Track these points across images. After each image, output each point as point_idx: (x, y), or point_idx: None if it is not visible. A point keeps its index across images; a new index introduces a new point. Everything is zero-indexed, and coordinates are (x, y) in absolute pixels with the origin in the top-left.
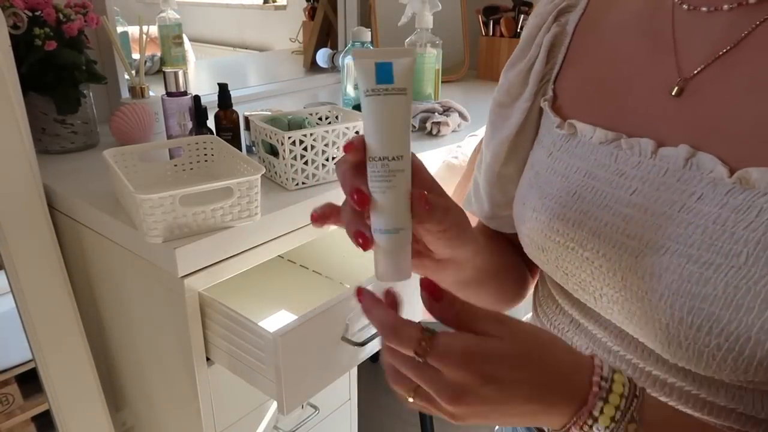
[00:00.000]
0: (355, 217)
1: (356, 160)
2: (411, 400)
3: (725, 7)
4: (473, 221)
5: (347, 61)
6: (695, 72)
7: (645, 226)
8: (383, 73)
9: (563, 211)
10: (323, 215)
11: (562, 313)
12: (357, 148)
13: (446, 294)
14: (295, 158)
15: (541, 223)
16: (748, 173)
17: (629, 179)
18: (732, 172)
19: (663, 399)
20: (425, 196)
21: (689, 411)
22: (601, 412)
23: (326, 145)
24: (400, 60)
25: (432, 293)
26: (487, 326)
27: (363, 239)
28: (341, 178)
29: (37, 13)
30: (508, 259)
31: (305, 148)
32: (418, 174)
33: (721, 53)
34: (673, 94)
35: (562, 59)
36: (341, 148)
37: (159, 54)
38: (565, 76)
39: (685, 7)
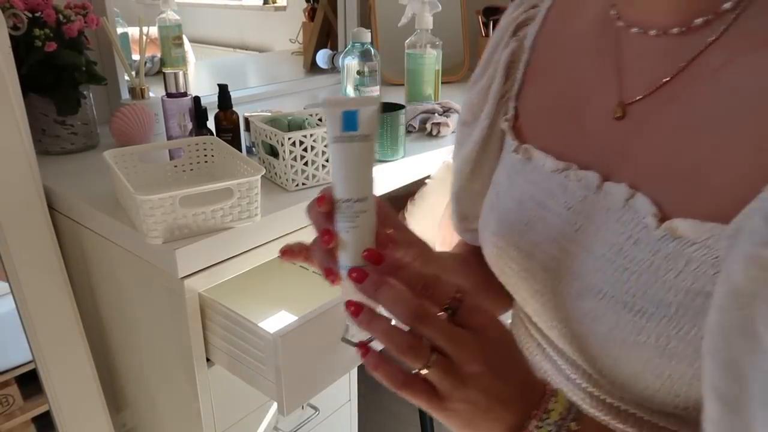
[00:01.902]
0: (324, 254)
1: (327, 206)
2: (425, 371)
3: (674, 30)
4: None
5: (347, 62)
6: (637, 98)
7: (586, 268)
8: (349, 122)
9: (517, 240)
10: (292, 252)
11: (529, 336)
12: (327, 201)
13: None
14: (295, 159)
15: (499, 249)
16: (675, 225)
17: (575, 214)
18: (663, 219)
19: (620, 426)
20: (388, 234)
21: None
22: (553, 409)
23: (326, 145)
24: (365, 108)
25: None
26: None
27: (331, 275)
28: (312, 220)
29: (37, 14)
30: (489, 274)
31: (305, 149)
32: (382, 212)
33: (663, 82)
34: (615, 117)
35: (522, 76)
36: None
37: (159, 55)
38: (526, 93)
39: (633, 29)
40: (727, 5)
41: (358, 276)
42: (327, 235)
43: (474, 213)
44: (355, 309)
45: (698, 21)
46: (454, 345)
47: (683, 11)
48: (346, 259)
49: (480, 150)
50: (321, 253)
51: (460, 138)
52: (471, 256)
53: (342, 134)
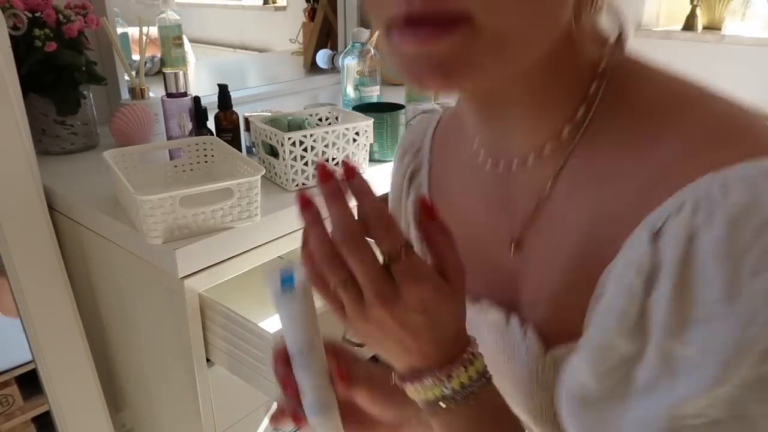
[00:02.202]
0: (290, 401)
1: (283, 359)
2: (337, 288)
3: (530, 161)
4: None
5: (347, 62)
6: (518, 235)
7: (517, 404)
8: (286, 280)
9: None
10: (279, 418)
11: None
12: (282, 356)
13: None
14: (295, 159)
15: None
16: (557, 353)
17: (500, 353)
18: (548, 348)
19: None
20: (343, 372)
21: None
22: (457, 376)
23: (326, 146)
24: (299, 268)
25: (428, 213)
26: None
27: (297, 419)
28: (275, 374)
29: (37, 15)
30: None
31: (305, 149)
32: (337, 352)
33: (532, 215)
34: (510, 250)
35: None
36: (341, 149)
37: (159, 55)
38: None
39: (500, 165)
40: (565, 132)
41: (322, 175)
42: (289, 387)
43: None
44: (304, 202)
45: (546, 150)
46: (370, 285)
47: (532, 139)
48: (307, 403)
49: None
50: (287, 400)
51: None
52: None
53: (282, 292)
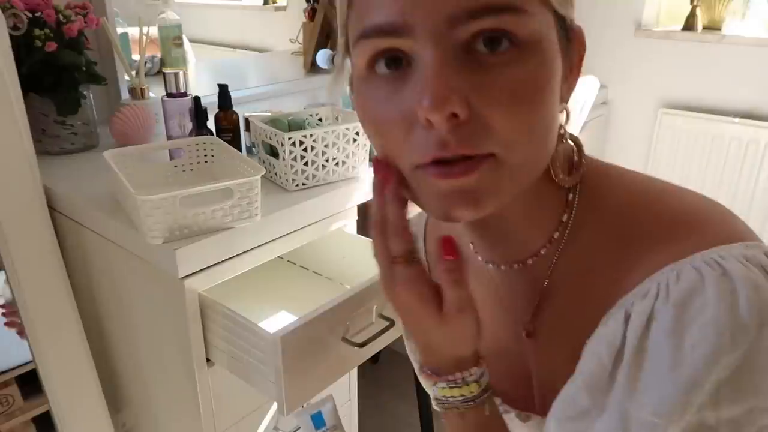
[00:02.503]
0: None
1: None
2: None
3: (515, 266)
4: None
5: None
6: (529, 326)
7: None
8: (317, 421)
9: None
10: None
11: None
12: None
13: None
14: (295, 159)
15: None
16: None
17: None
18: None
19: None
20: None
21: None
22: (442, 389)
23: (326, 146)
24: (325, 406)
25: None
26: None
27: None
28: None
29: (37, 14)
30: None
31: (305, 149)
32: None
33: (536, 308)
34: (523, 337)
35: None
36: (341, 149)
37: (159, 55)
38: None
39: (494, 266)
40: (556, 234)
41: (378, 166)
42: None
43: None
44: (384, 172)
45: (542, 251)
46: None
47: (531, 246)
48: None
49: None
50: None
51: None
52: None
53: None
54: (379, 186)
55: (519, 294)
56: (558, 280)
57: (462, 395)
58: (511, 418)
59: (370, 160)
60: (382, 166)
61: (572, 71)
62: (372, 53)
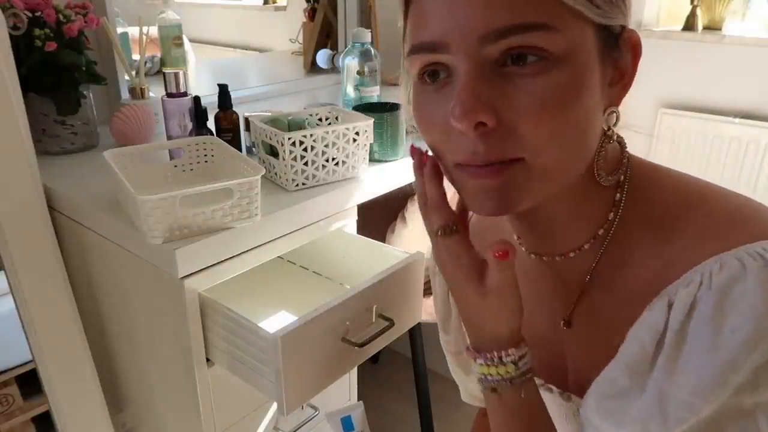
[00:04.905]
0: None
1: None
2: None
3: (572, 254)
4: None
5: (347, 62)
6: (568, 317)
7: None
8: (347, 424)
9: None
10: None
11: None
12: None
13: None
14: (295, 159)
15: None
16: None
17: (562, 423)
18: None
19: None
20: None
21: None
22: (480, 366)
23: (326, 146)
24: (355, 411)
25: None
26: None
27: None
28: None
29: (37, 14)
30: None
31: (305, 149)
32: None
33: (576, 300)
34: (561, 327)
35: None
36: (341, 149)
37: (159, 55)
38: None
39: (537, 257)
40: (600, 232)
41: (413, 152)
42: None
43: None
44: (419, 155)
45: (586, 246)
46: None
47: (575, 241)
48: None
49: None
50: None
51: (455, 369)
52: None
53: None
54: (417, 167)
55: (559, 285)
56: (599, 273)
57: (499, 374)
58: (553, 398)
59: (370, 160)
60: (417, 150)
61: (623, 76)
62: (420, 66)
